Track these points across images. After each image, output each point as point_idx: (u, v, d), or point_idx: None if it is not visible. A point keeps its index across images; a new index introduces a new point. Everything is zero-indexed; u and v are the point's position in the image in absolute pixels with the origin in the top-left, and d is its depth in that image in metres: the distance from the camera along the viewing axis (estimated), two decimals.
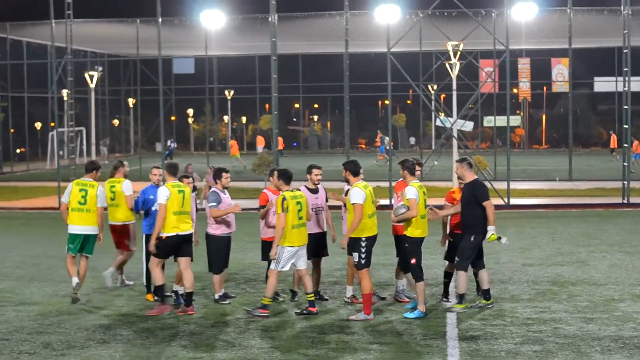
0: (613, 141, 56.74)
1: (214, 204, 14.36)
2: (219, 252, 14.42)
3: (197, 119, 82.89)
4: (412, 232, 13.61)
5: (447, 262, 14.74)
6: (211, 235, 14.54)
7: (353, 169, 13.77)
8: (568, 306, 14.13)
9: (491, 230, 13.73)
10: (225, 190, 14.76)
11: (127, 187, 15.98)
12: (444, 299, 14.62)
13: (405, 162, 13.97)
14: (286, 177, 13.97)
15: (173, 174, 14.37)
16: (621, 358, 11.11)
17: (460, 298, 13.92)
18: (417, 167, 14.44)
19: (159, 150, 56.36)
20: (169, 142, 59.86)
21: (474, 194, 13.84)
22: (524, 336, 12.23)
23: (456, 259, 13.97)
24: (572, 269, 17.68)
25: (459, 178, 14.44)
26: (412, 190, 13.53)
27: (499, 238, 13.81)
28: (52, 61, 37.87)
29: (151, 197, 14.97)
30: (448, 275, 14.78)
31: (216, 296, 14.73)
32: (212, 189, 14.75)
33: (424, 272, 13.85)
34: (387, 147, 59.62)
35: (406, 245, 13.74)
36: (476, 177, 14.21)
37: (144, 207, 15.29)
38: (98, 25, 50.21)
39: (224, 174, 14.70)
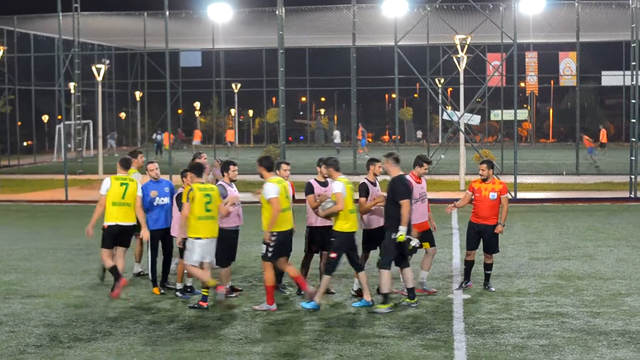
0: (603, 136, 56.86)
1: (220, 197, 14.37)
2: (226, 245, 14.39)
3: (204, 112, 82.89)
4: (341, 226, 13.66)
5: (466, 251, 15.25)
6: (219, 229, 14.53)
7: (267, 165, 14.04)
8: (575, 300, 14.12)
9: (401, 231, 13.49)
10: (233, 183, 14.76)
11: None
12: (464, 283, 15.14)
13: (328, 160, 14.24)
14: (197, 170, 14.22)
15: (124, 167, 14.90)
16: (628, 352, 11.09)
17: (385, 298, 13.62)
18: (425, 165, 14.64)
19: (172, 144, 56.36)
20: (154, 135, 59.64)
21: (393, 191, 13.73)
22: (530, 330, 12.22)
23: (379, 257, 13.84)
24: (579, 263, 17.65)
25: (385, 173, 14.34)
26: (339, 184, 13.66)
27: (408, 240, 13.54)
28: (60, 54, 37.86)
29: (152, 192, 14.94)
30: (468, 263, 15.18)
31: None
32: (219, 182, 14.72)
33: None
34: (338, 141, 60.06)
35: (332, 239, 13.75)
36: (401, 173, 13.99)
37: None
38: (105, 18, 50.20)
39: (231, 167, 14.72)
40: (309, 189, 14.45)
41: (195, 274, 13.86)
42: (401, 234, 13.45)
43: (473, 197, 15.13)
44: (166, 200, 14.97)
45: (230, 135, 64.57)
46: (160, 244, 15.15)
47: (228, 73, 66.24)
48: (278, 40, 30.79)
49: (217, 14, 43.53)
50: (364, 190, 14.23)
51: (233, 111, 79.35)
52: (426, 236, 14.69)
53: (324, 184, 14.55)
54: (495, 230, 14.99)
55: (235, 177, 14.81)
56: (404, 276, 13.98)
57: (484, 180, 15.04)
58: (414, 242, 13.65)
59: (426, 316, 13.13)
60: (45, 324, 12.88)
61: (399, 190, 13.60)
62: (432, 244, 14.89)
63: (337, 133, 63.55)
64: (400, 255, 13.74)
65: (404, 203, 13.47)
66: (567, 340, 11.68)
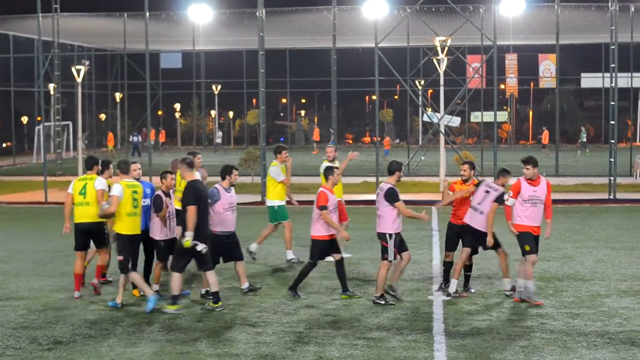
0: (545, 137, 57.27)
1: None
2: (213, 249, 14.24)
3: (185, 114, 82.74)
4: (119, 227, 14.01)
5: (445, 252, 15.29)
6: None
7: (89, 163, 15.21)
8: (554, 301, 14.17)
9: (187, 236, 13.47)
10: (232, 187, 14.79)
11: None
12: (444, 285, 15.02)
13: (120, 164, 14.61)
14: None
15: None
16: (607, 353, 11.14)
17: (174, 299, 13.68)
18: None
19: (145, 145, 56.20)
20: (131, 137, 59.33)
21: (183, 196, 13.74)
22: (510, 331, 12.25)
23: (170, 260, 14.16)
24: (558, 265, 17.72)
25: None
26: (118, 187, 14.00)
27: (194, 244, 13.49)
28: (39, 55, 37.73)
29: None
30: (447, 264, 15.14)
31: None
32: (214, 185, 14.72)
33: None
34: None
35: (116, 241, 14.12)
36: (196, 178, 13.93)
37: None
38: (85, 19, 50.09)
39: (234, 171, 14.76)
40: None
41: None
42: (187, 240, 13.48)
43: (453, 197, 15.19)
44: (147, 201, 14.85)
45: (161, 136, 65.06)
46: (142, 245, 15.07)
47: (208, 74, 66.22)
48: (258, 42, 30.80)
49: (198, 15, 43.53)
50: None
51: (213, 113, 79.30)
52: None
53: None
54: None
55: (236, 181, 14.89)
56: (208, 279, 13.99)
57: (464, 182, 15.11)
58: (200, 247, 13.57)
59: (406, 318, 13.14)
60: (24, 326, 12.82)
61: (186, 195, 13.65)
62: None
63: (219, 134, 63.79)
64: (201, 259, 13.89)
65: (189, 209, 13.47)
66: (547, 341, 11.72)
